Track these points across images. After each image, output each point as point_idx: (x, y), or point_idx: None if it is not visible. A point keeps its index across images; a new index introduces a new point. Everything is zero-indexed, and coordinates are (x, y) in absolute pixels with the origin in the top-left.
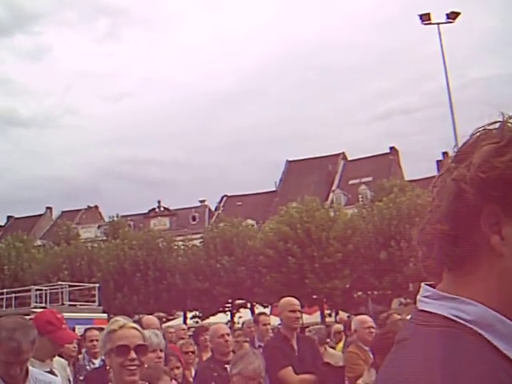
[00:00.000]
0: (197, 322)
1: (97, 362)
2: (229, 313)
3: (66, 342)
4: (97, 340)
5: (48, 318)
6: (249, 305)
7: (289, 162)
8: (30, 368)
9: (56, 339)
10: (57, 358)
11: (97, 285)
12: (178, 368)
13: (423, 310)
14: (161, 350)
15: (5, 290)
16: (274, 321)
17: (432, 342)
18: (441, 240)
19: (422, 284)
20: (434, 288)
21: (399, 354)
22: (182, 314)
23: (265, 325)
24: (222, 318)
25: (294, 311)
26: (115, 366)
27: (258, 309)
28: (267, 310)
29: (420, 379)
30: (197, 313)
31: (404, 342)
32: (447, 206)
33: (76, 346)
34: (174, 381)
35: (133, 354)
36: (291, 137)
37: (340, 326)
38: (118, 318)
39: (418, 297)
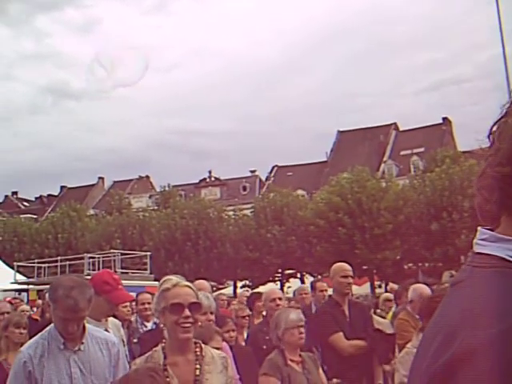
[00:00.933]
0: (247, 291)
1: (149, 325)
2: (278, 282)
3: (121, 302)
4: (148, 303)
5: (105, 278)
6: (298, 275)
7: (340, 133)
8: (87, 325)
9: (112, 299)
10: (111, 318)
11: (148, 253)
12: (233, 331)
13: (479, 253)
14: (211, 313)
15: (59, 258)
16: None
17: (488, 281)
18: (502, 183)
19: (479, 228)
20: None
21: (454, 295)
22: (232, 283)
23: (322, 291)
24: (271, 287)
25: (345, 276)
26: (169, 323)
27: (308, 279)
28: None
29: (474, 316)
30: (247, 282)
31: (459, 283)
32: (508, 148)
33: (130, 308)
34: (224, 342)
35: (187, 312)
36: (342, 107)
37: (389, 295)
38: (171, 276)
39: (475, 240)
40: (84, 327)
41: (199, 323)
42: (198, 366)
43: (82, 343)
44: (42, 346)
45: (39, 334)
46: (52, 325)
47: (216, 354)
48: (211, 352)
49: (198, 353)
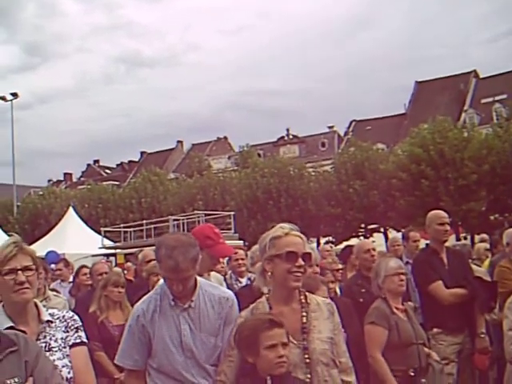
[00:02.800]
0: (330, 247)
1: (243, 281)
2: (362, 237)
3: (224, 256)
4: (242, 259)
5: (206, 232)
6: (382, 229)
7: (417, 83)
8: (200, 280)
9: (215, 253)
10: (213, 273)
11: (232, 213)
12: (332, 282)
13: None
14: (317, 265)
15: (144, 222)
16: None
17: None
18: None
19: None
20: None
21: None
22: (315, 239)
23: (415, 241)
24: (355, 242)
25: (442, 224)
26: (280, 271)
27: (392, 233)
28: (400, 235)
29: None
30: (330, 238)
31: None
32: None
33: (225, 264)
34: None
35: (300, 261)
36: (417, 59)
37: (485, 244)
38: (282, 224)
39: None
40: (196, 283)
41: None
42: (304, 314)
43: (193, 300)
44: (154, 302)
45: (153, 289)
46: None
47: (321, 301)
48: (316, 299)
49: (303, 301)
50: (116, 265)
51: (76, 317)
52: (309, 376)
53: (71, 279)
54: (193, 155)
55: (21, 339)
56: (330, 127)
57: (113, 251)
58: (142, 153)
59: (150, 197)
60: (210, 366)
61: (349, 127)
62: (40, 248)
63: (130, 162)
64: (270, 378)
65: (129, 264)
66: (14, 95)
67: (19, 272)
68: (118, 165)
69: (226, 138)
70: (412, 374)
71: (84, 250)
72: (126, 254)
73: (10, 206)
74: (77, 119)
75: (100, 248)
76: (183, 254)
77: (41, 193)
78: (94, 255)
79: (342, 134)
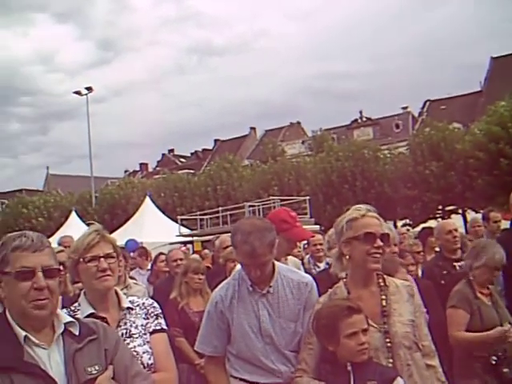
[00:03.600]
0: (408, 230)
1: (322, 265)
2: (440, 219)
3: (301, 239)
4: (320, 244)
5: (282, 216)
6: (460, 210)
7: (493, 59)
8: (278, 265)
9: (291, 236)
10: (291, 257)
11: (307, 197)
12: (412, 265)
13: None
14: (395, 245)
15: (220, 209)
16: None
17: None
18: None
19: None
20: None
21: None
22: (391, 222)
23: (495, 222)
24: (432, 224)
25: None
26: (359, 253)
27: (470, 214)
28: (480, 215)
29: None
30: (407, 221)
31: None
32: None
33: (301, 249)
34: (408, 275)
35: (379, 242)
36: (490, 34)
37: None
38: (358, 205)
39: None
40: (274, 268)
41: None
42: (383, 297)
43: (271, 286)
44: (232, 288)
45: (231, 275)
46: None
47: (400, 283)
48: (395, 282)
49: (382, 284)
50: (193, 252)
51: (156, 304)
52: (391, 360)
53: (149, 267)
54: (266, 141)
55: (100, 327)
56: (403, 108)
57: (190, 239)
58: (216, 141)
59: (225, 184)
60: (289, 351)
61: (423, 107)
62: (119, 237)
63: (204, 150)
64: (351, 365)
65: (206, 251)
66: (89, 89)
67: (101, 259)
68: (192, 153)
69: (299, 122)
70: (494, 361)
71: (161, 238)
72: (202, 242)
73: (88, 198)
74: (150, 110)
75: (177, 236)
76: (259, 239)
77: (118, 183)
78: (171, 243)
79: (416, 114)
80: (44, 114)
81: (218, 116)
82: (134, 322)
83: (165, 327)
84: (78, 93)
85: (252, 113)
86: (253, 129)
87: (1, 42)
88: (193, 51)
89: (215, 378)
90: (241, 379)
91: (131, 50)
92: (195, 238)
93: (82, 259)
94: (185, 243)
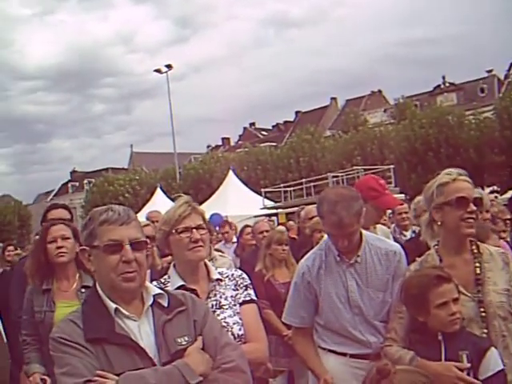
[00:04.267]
0: (496, 197)
1: (408, 234)
2: None
3: (390, 207)
4: (406, 213)
5: (370, 184)
6: None
7: None
8: (366, 234)
9: (380, 204)
10: (380, 226)
11: (391, 166)
12: (504, 231)
13: None
14: (487, 211)
15: (303, 180)
16: None
17: None
18: None
19: None
20: None
21: None
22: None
23: None
24: None
25: None
26: (451, 219)
27: None
28: None
29: None
30: (495, 187)
31: None
32: None
33: (386, 217)
34: (501, 241)
35: (472, 207)
36: None
37: None
38: (449, 170)
39: None
40: (361, 237)
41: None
42: (477, 265)
43: (359, 255)
44: (319, 258)
45: (317, 246)
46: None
47: (494, 251)
48: (489, 249)
49: (475, 251)
50: (278, 224)
51: (245, 275)
52: (485, 331)
53: (235, 240)
54: (348, 111)
55: (188, 299)
56: (488, 71)
57: (274, 211)
58: (297, 112)
59: (308, 156)
60: (378, 322)
61: (509, 69)
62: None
63: (285, 122)
64: (442, 335)
65: (291, 223)
66: (169, 67)
67: (194, 230)
68: (273, 126)
69: (380, 91)
70: None
71: (246, 211)
72: (287, 213)
73: (173, 174)
74: (230, 85)
75: (261, 209)
76: (346, 208)
77: (201, 159)
78: (255, 216)
79: (501, 77)
80: (126, 94)
81: (298, 87)
82: (223, 294)
83: (254, 298)
84: (158, 71)
85: (332, 83)
86: (333, 99)
87: (83, 27)
88: (270, 23)
89: (303, 348)
90: (329, 350)
91: (209, 25)
92: (279, 211)
93: (174, 230)
94: (269, 215)
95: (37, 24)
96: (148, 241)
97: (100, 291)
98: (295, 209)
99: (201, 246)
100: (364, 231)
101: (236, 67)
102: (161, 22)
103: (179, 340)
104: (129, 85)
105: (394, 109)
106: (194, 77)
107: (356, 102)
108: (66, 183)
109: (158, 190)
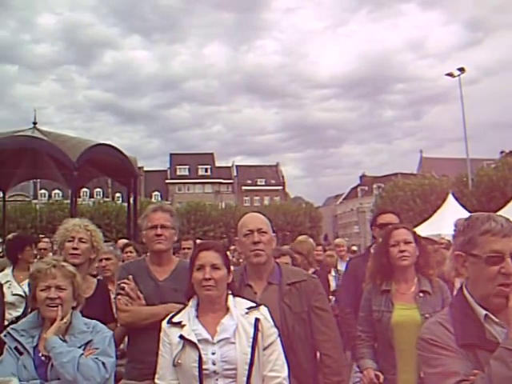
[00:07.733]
0: None
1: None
2: None
3: None
4: None
5: None
6: None
7: None
8: None
9: None
10: None
11: None
12: None
13: None
14: None
15: None
16: None
17: None
18: None
19: None
20: None
21: None
22: None
23: None
24: None
25: None
26: None
27: None
28: None
29: None
30: None
31: None
32: None
33: None
34: None
35: None
36: None
37: None
38: None
39: None
40: None
41: None
42: None
43: None
44: None
45: None
46: None
47: None
48: None
49: None
50: None
51: None
52: None
53: None
54: None
55: None
56: None
57: None
58: None
59: None
60: None
61: None
62: None
63: None
64: None
65: None
66: (461, 70)
67: None
68: None
69: None
70: None
71: None
72: None
73: (464, 180)
74: None
75: None
76: None
77: (494, 165)
78: None
79: None
80: (416, 99)
81: None
82: None
83: None
84: (450, 74)
85: None
86: None
87: (373, 36)
88: None
89: None
90: None
91: (502, 27)
92: None
93: None
94: None
95: (329, 35)
96: None
97: (469, 297)
98: None
99: None
100: None
101: None
102: (450, 26)
103: None
104: (418, 90)
105: None
106: (487, 80)
107: None
108: (356, 187)
109: (450, 197)
